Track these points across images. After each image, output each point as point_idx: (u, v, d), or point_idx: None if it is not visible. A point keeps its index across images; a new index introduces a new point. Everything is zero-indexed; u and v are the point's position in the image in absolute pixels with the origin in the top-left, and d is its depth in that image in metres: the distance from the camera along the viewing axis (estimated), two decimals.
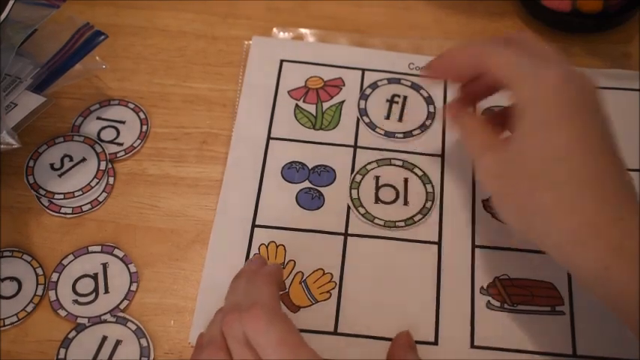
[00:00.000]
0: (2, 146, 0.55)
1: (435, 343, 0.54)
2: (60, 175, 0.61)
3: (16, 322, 0.55)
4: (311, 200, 0.61)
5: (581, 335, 0.55)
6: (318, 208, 0.60)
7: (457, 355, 0.54)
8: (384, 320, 0.55)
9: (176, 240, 0.59)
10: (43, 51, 0.63)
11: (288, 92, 0.66)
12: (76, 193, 0.60)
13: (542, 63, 0.50)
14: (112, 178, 0.62)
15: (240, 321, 0.46)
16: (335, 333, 0.55)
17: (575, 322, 0.55)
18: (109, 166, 0.62)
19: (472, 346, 0.54)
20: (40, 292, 0.56)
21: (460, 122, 0.56)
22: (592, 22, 0.70)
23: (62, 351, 0.54)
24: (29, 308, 0.56)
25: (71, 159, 0.62)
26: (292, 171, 0.62)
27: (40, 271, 0.57)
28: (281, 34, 0.70)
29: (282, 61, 0.68)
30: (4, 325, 0.55)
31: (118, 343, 0.54)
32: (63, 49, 0.63)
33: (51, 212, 0.60)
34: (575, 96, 0.48)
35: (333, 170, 0.62)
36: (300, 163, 0.63)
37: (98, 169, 0.62)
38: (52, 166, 0.62)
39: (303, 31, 0.70)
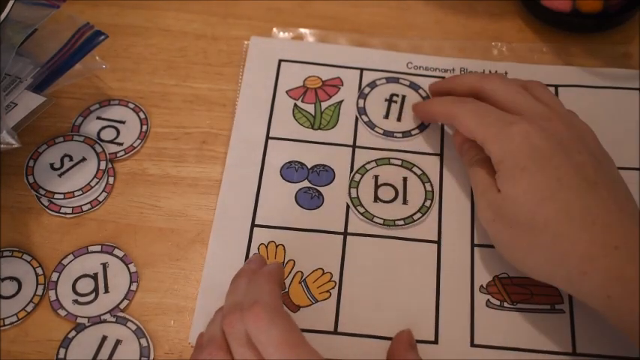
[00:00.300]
0: (2, 146, 0.55)
1: (435, 341, 0.54)
2: (60, 175, 0.61)
3: (16, 321, 0.55)
4: (310, 200, 0.61)
5: (581, 333, 0.54)
6: (318, 207, 0.60)
7: (457, 353, 0.54)
8: (384, 319, 0.55)
9: (176, 240, 0.59)
10: (43, 51, 0.62)
11: (287, 92, 0.66)
12: (76, 193, 0.60)
13: (506, 120, 0.53)
14: (112, 178, 0.62)
15: (242, 320, 0.46)
16: (335, 332, 0.55)
17: (574, 321, 0.55)
18: (109, 165, 0.62)
19: (472, 344, 0.54)
20: (40, 291, 0.56)
21: (465, 157, 0.59)
22: (592, 22, 0.69)
23: (62, 351, 0.54)
24: (29, 308, 0.56)
25: (71, 159, 0.62)
26: (291, 170, 0.62)
27: (39, 270, 0.57)
28: (281, 34, 0.70)
29: (280, 61, 0.68)
30: (4, 325, 0.55)
31: (117, 342, 0.54)
32: (63, 48, 0.63)
33: (51, 212, 0.60)
34: (544, 144, 0.52)
35: (332, 170, 0.62)
36: (299, 162, 0.63)
37: (98, 169, 0.62)
38: (51, 165, 0.62)
39: (303, 31, 0.71)
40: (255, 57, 0.68)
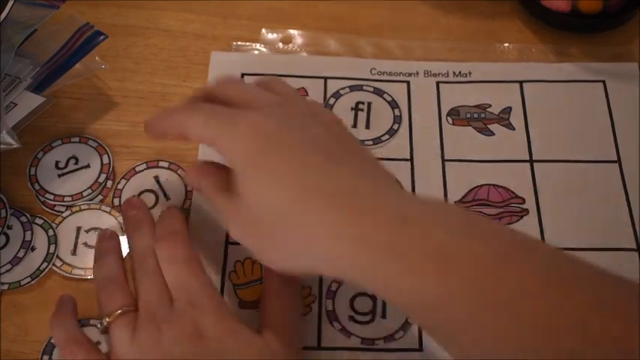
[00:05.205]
0: (2, 146, 0.56)
1: (420, 349, 0.54)
2: (59, 176, 0.61)
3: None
4: None
5: None
6: None
7: None
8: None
9: None
10: (43, 51, 0.63)
11: None
12: (66, 199, 0.60)
13: (232, 115, 0.49)
14: (110, 182, 0.61)
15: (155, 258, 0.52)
16: (319, 348, 0.54)
17: None
18: (108, 179, 0.62)
19: None
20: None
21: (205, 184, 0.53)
22: (592, 22, 0.69)
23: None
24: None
25: (77, 162, 0.62)
26: None
27: None
28: (269, 35, 0.70)
29: (243, 75, 0.67)
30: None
31: None
32: (63, 48, 0.63)
33: (46, 209, 0.60)
34: (274, 130, 0.47)
35: None
36: None
37: (96, 181, 0.61)
38: (57, 164, 0.62)
39: (291, 32, 0.70)
40: (217, 72, 0.67)
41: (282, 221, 0.45)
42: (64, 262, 0.57)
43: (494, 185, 0.61)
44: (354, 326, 0.55)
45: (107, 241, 0.57)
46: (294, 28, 0.71)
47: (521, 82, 0.67)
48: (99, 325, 0.51)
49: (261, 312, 0.53)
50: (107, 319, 0.50)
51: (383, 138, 0.64)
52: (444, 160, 0.63)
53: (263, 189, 0.46)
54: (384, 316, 0.55)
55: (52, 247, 0.58)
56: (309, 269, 0.47)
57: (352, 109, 0.66)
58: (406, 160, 0.63)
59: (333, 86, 0.67)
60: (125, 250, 0.57)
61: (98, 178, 0.61)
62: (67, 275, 0.57)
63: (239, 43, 0.69)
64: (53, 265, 0.57)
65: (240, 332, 0.49)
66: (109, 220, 0.59)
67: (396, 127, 0.65)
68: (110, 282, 0.53)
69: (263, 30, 0.70)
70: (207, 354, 0.47)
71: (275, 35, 0.70)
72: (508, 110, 0.66)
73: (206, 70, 0.68)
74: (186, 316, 0.48)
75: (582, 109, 0.66)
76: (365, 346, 0.54)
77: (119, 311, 0.50)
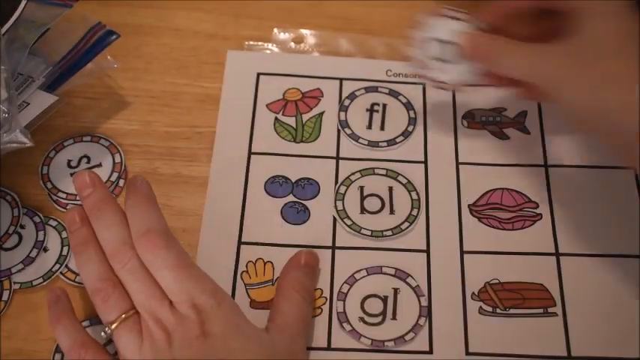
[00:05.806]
0: (15, 145, 0.56)
1: (430, 352, 0.55)
2: (72, 175, 0.62)
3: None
4: (296, 214, 0.60)
5: (575, 336, 0.55)
6: (304, 222, 0.60)
7: None
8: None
9: (187, 239, 0.60)
10: (55, 50, 0.63)
11: (267, 105, 0.66)
12: (78, 197, 0.60)
13: None
14: (122, 181, 0.62)
15: (134, 253, 0.50)
16: (329, 349, 0.55)
17: (568, 323, 0.55)
18: (121, 178, 0.62)
19: (467, 352, 0.54)
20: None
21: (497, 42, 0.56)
22: None
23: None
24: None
25: (89, 161, 0.63)
26: (275, 185, 0.62)
27: None
28: (281, 34, 0.70)
29: (258, 75, 0.68)
30: None
31: None
32: (75, 48, 0.63)
33: (59, 208, 0.61)
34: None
35: (317, 182, 0.62)
36: (282, 177, 0.62)
37: (108, 179, 0.62)
38: (69, 163, 0.63)
39: (303, 32, 0.71)
40: (234, 72, 0.68)
41: (610, 57, 0.50)
42: (77, 274, 0.58)
43: (507, 189, 0.62)
44: (364, 328, 0.56)
45: (83, 230, 0.54)
46: (305, 28, 0.71)
47: None
48: (103, 334, 0.51)
49: (271, 311, 0.54)
50: (111, 327, 0.50)
51: (397, 140, 0.64)
52: (458, 163, 0.63)
53: (618, 24, 0.51)
54: (394, 317, 0.56)
55: (66, 249, 0.59)
56: (597, 105, 0.50)
57: (367, 110, 0.66)
58: (420, 162, 0.63)
59: (348, 87, 0.67)
60: None
61: (110, 176, 0.62)
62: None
63: (251, 42, 0.70)
64: (66, 278, 0.58)
65: (244, 327, 0.50)
66: None
67: (410, 129, 0.65)
68: (103, 285, 0.51)
69: (275, 30, 0.71)
70: (214, 352, 0.48)
71: (287, 35, 0.70)
72: (524, 114, 0.66)
73: (217, 70, 0.68)
74: (192, 320, 0.49)
75: None
76: (375, 348, 0.55)
77: (123, 315, 0.50)
